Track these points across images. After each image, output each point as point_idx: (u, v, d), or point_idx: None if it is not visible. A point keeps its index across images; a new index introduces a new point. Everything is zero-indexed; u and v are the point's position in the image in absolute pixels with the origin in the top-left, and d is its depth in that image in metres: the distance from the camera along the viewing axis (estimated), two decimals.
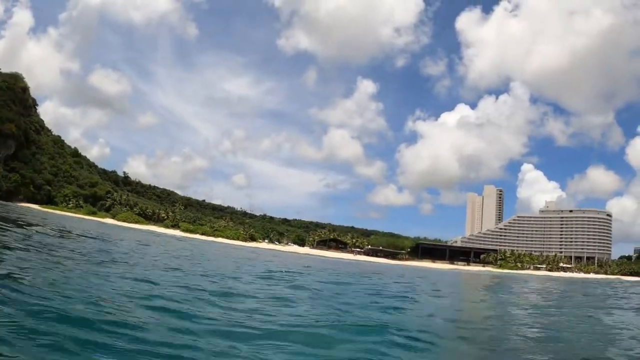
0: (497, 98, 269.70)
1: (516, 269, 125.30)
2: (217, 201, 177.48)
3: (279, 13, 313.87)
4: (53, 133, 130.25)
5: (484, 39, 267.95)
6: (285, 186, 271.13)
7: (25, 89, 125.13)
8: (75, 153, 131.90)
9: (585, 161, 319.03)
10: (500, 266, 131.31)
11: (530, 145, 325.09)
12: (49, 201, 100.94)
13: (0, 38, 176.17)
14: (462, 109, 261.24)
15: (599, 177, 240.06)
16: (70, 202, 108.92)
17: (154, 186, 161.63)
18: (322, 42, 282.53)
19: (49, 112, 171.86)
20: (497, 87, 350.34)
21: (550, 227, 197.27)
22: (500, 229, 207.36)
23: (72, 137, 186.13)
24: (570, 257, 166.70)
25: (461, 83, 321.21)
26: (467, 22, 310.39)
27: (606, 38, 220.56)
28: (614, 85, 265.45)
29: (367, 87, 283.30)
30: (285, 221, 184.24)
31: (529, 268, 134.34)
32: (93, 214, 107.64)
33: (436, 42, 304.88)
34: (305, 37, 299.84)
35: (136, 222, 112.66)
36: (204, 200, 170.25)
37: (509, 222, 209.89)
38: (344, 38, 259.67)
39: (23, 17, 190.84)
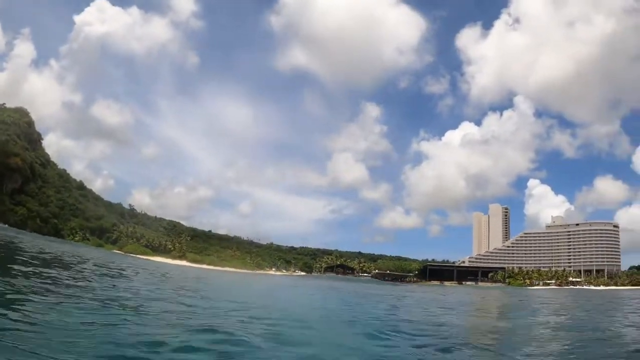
0: (501, 114, 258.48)
1: (525, 286, 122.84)
2: (222, 231, 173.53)
3: (275, 37, 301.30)
4: (58, 166, 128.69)
5: (485, 54, 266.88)
6: (290, 214, 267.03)
7: (30, 124, 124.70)
8: (81, 186, 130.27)
9: (593, 172, 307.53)
10: (509, 283, 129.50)
11: (537, 159, 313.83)
12: (55, 234, 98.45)
13: (2, 70, 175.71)
14: (466, 127, 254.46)
15: (607, 188, 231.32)
16: (77, 235, 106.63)
17: (160, 218, 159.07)
18: (324, 64, 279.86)
19: (53, 144, 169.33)
20: (501, 103, 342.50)
21: (557, 242, 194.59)
22: (508, 246, 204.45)
23: (76, 170, 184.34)
24: (579, 270, 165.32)
25: (464, 100, 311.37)
26: (467, 38, 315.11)
27: (608, 45, 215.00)
28: (618, 93, 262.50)
29: (371, 110, 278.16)
30: (292, 249, 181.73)
31: (538, 284, 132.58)
32: (100, 246, 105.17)
33: (438, 60, 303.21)
34: (302, 56, 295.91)
35: (143, 254, 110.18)
36: (210, 231, 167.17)
37: (516, 240, 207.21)
38: (347, 60, 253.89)
39: (25, 49, 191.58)
